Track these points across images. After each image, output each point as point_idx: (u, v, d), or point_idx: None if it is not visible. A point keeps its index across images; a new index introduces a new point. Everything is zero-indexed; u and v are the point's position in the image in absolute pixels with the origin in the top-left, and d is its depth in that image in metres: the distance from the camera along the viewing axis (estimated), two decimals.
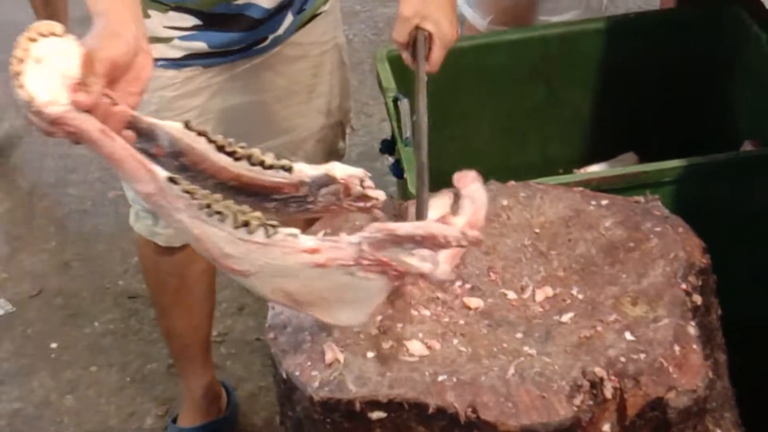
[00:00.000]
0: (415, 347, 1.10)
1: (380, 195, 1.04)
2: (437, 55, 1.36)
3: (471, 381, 1.04)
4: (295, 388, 1.09)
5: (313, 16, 1.60)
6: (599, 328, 1.10)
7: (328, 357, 1.09)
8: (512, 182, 1.35)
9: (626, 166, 1.87)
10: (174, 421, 1.91)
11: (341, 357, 1.09)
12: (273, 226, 0.95)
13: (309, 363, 1.10)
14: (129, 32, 1.00)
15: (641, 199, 1.29)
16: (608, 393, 1.03)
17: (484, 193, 1.22)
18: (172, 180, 0.93)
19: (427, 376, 1.06)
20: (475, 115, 1.95)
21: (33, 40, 0.93)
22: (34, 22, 0.96)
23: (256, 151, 1.00)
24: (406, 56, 1.39)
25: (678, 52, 1.87)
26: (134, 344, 2.20)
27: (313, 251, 0.95)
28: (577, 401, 1.02)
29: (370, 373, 1.07)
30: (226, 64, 1.52)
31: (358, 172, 1.03)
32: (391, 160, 1.78)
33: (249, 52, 1.52)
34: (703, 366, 1.07)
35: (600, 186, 1.45)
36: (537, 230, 1.25)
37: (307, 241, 0.96)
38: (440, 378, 1.05)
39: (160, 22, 1.46)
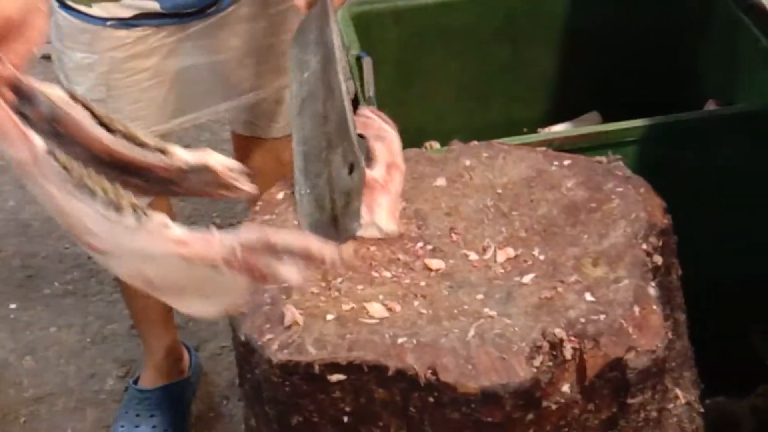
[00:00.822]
0: (376, 309, 1.09)
1: (251, 189, 1.00)
2: None
3: (431, 343, 1.04)
4: (254, 350, 1.08)
5: None
6: (560, 289, 1.09)
7: (288, 319, 1.08)
8: (475, 142, 1.34)
9: (589, 125, 1.87)
10: (135, 382, 1.89)
11: (300, 319, 1.08)
12: (144, 212, 0.92)
13: (268, 325, 1.09)
14: None
15: (603, 159, 1.28)
16: (568, 354, 1.03)
17: (389, 127, 1.20)
18: (51, 153, 0.90)
19: (387, 339, 1.05)
20: (439, 74, 1.93)
21: None
22: None
23: (136, 132, 0.97)
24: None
25: (643, 13, 1.86)
26: (94, 305, 2.18)
27: (182, 243, 0.92)
28: (537, 362, 1.02)
29: (329, 335, 1.06)
30: (180, 25, 1.48)
31: (235, 164, 1.00)
32: None
33: (209, 11, 1.48)
34: (663, 327, 1.07)
35: (562, 146, 1.44)
36: (499, 191, 1.24)
37: (177, 231, 0.93)
38: (400, 340, 1.04)
39: None
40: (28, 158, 0.89)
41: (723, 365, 1.50)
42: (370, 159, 1.18)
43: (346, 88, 1.22)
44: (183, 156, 0.97)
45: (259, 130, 1.72)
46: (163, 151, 0.96)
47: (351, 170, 1.15)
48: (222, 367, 1.99)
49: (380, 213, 1.15)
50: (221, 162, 0.98)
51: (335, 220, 1.17)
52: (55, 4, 1.46)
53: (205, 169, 0.97)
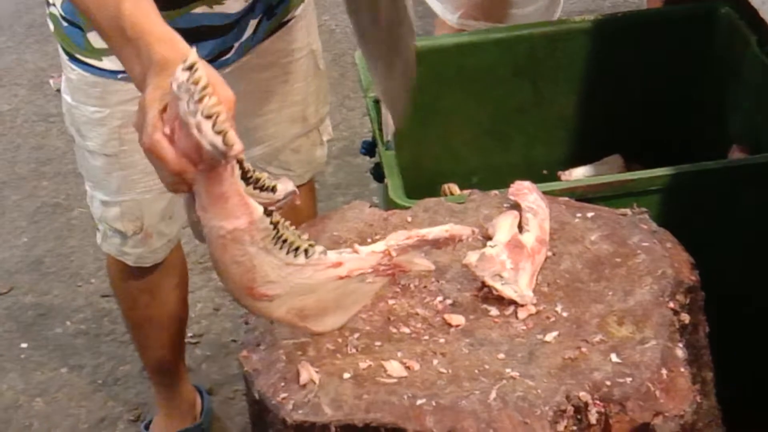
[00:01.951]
0: (394, 368, 1.07)
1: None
2: None
3: (451, 405, 1.01)
4: (268, 409, 1.06)
5: (283, 23, 1.54)
6: (584, 349, 1.07)
7: (303, 377, 1.06)
8: (495, 192, 1.32)
9: (612, 168, 1.85)
10: (146, 427, 1.87)
11: (317, 378, 1.06)
12: (312, 245, 0.99)
13: (283, 383, 1.06)
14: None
15: (628, 211, 1.26)
16: (593, 418, 1.00)
17: (543, 203, 1.22)
18: (268, 213, 0.95)
19: (405, 400, 1.02)
20: (458, 114, 1.91)
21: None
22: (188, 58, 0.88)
23: (263, 175, 1.03)
24: None
25: (665, 53, 1.84)
26: (107, 345, 2.16)
27: (338, 264, 1.01)
28: (561, 427, 0.99)
29: (346, 395, 1.03)
30: None
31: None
32: (371, 162, 1.74)
33: (215, 63, 1.47)
34: (691, 390, 1.04)
35: (585, 194, 1.42)
36: None
37: (332, 256, 1.02)
38: (419, 401, 1.02)
39: None
40: (244, 224, 0.93)
41: (752, 422, 1.47)
42: (521, 227, 1.20)
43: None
44: (283, 188, 1.04)
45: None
46: (273, 189, 1.03)
47: None
48: (235, 412, 1.96)
49: (523, 276, 1.14)
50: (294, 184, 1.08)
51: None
52: (65, 58, 1.45)
53: (290, 195, 1.06)
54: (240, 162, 0.98)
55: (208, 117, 0.87)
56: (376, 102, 1.68)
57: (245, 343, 1.13)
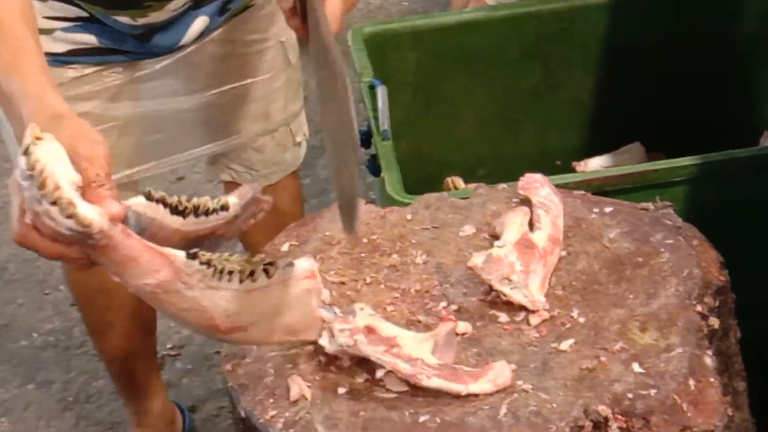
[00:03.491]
0: (393, 382, 1.06)
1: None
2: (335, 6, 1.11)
3: (457, 422, 1.01)
4: (256, 428, 1.05)
5: (240, 11, 1.52)
6: (603, 358, 1.06)
7: (294, 393, 1.06)
8: (503, 185, 1.32)
9: (632, 158, 1.85)
10: None
11: (308, 393, 1.06)
12: (272, 264, 1.00)
13: (271, 400, 1.06)
14: (75, 114, 0.97)
15: (650, 205, 1.26)
16: None
17: (556, 198, 1.21)
18: (192, 256, 0.95)
19: (406, 416, 1.02)
20: (462, 100, 1.91)
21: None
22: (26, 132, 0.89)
23: (202, 200, 1.02)
24: (294, 23, 1.17)
25: (690, 30, 1.84)
26: (77, 359, 2.16)
27: (312, 276, 1.02)
28: None
29: (341, 412, 1.03)
30: (127, 63, 1.44)
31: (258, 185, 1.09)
32: (367, 154, 1.74)
33: (150, 54, 1.45)
34: (721, 402, 1.04)
35: (603, 187, 1.43)
36: None
37: (303, 264, 1.02)
38: (422, 418, 1.02)
39: (40, 11, 1.36)
40: (169, 275, 0.94)
41: None
42: (532, 225, 1.19)
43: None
44: (236, 201, 1.04)
45: (242, 178, 1.68)
46: (225, 207, 1.03)
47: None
48: (219, 430, 1.96)
49: (534, 280, 1.14)
50: (257, 188, 1.08)
51: None
52: None
53: (252, 202, 1.06)
54: (162, 200, 0.98)
55: (53, 203, 0.88)
56: (371, 87, 1.68)
57: (229, 355, 1.13)
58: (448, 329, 1.08)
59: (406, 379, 1.03)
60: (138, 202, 0.98)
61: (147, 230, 0.97)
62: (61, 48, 1.40)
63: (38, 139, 0.90)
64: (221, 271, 0.97)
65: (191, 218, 1.01)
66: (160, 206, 0.99)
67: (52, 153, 0.89)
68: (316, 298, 1.04)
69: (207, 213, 1.01)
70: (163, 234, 0.99)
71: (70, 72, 1.42)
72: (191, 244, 0.99)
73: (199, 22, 1.46)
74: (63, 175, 0.89)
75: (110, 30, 1.40)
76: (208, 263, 0.96)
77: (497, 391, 1.03)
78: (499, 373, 1.04)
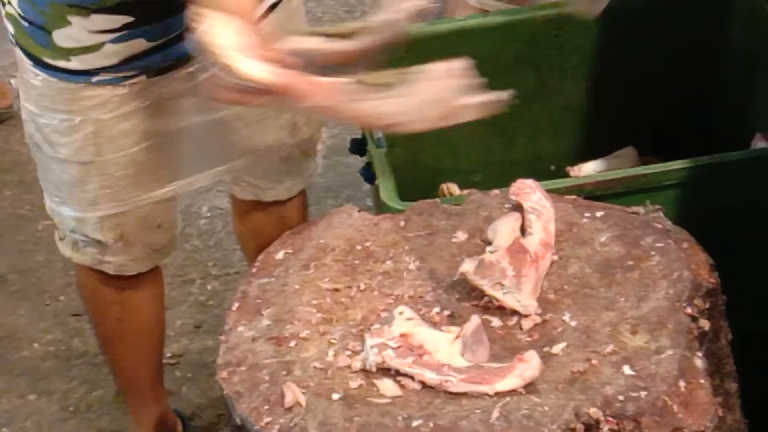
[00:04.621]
0: (387, 386, 1.07)
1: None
2: None
3: (450, 426, 1.02)
4: None
5: (270, 8, 1.50)
6: (594, 361, 1.07)
7: (288, 399, 1.07)
8: (496, 191, 1.32)
9: (625, 162, 1.85)
10: None
11: (303, 399, 1.06)
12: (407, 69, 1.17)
13: (266, 406, 1.07)
14: None
15: (641, 209, 1.27)
16: None
17: (548, 202, 1.23)
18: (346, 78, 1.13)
19: (400, 421, 1.03)
20: None
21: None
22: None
23: (343, 27, 1.23)
24: None
25: (681, 36, 1.84)
26: (78, 369, 2.15)
27: (452, 73, 1.20)
28: None
29: (335, 418, 1.04)
30: (171, 73, 1.43)
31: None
32: (362, 161, 1.74)
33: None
34: (712, 403, 1.04)
35: (594, 191, 1.43)
36: None
37: (440, 67, 1.20)
38: (415, 423, 1.02)
39: (85, 27, 1.37)
40: (328, 98, 1.13)
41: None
42: (524, 230, 1.20)
43: None
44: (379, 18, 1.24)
45: (262, 193, 1.67)
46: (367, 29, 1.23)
47: None
48: None
49: (526, 285, 1.15)
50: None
51: None
52: (28, 63, 1.43)
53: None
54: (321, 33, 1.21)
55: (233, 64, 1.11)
56: None
57: (225, 363, 1.14)
58: (473, 327, 1.10)
59: (435, 387, 1.06)
60: (302, 40, 1.19)
61: (313, 60, 1.16)
62: (113, 60, 1.40)
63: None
64: (375, 83, 1.14)
65: (338, 41, 1.19)
66: (313, 39, 1.19)
67: (218, 28, 1.11)
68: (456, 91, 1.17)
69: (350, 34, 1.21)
70: (324, 59, 1.18)
71: (119, 90, 1.42)
72: (348, 65, 1.17)
73: None
74: (227, 44, 1.11)
75: (156, 26, 1.39)
76: (359, 81, 1.13)
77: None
78: (528, 366, 1.05)
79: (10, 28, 1.44)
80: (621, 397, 1.03)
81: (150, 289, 1.66)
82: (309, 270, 1.23)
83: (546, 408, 1.02)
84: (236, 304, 1.21)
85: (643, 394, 1.03)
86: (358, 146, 1.73)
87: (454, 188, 1.84)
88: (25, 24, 1.40)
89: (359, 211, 1.33)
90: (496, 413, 1.02)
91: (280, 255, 1.27)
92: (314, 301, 1.19)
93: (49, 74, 1.42)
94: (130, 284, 1.61)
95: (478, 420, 1.02)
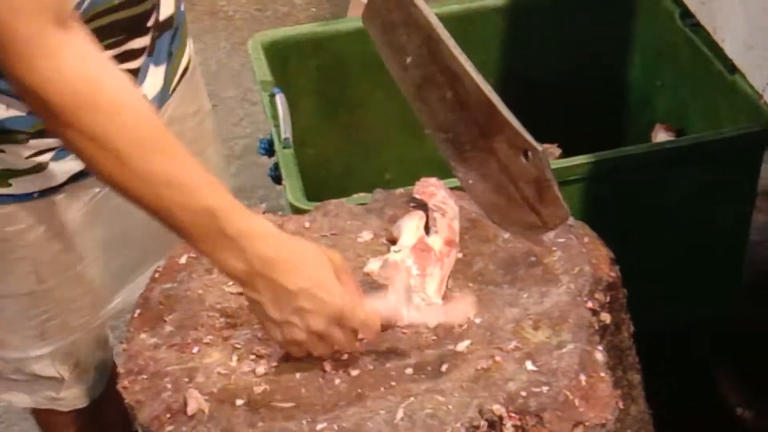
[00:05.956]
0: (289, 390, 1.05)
1: None
2: None
3: (354, 428, 1.00)
4: None
5: (180, 76, 1.34)
6: (498, 358, 1.07)
7: (191, 407, 1.04)
8: (401, 190, 1.32)
9: None
10: None
11: (206, 406, 1.04)
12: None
13: (168, 415, 1.05)
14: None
15: None
16: None
17: (452, 200, 1.22)
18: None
19: (304, 425, 1.01)
20: (366, 106, 1.91)
21: None
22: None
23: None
24: None
25: (586, 31, 1.86)
26: None
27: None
28: None
29: (239, 424, 1.02)
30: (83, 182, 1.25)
31: None
32: (270, 162, 1.72)
33: None
34: (613, 396, 1.05)
35: None
36: None
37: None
38: (319, 426, 1.01)
39: (22, 153, 1.19)
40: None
41: (687, 421, 1.49)
42: (428, 228, 1.20)
43: (475, 69, 1.18)
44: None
45: None
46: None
47: (527, 157, 1.12)
48: None
49: (431, 283, 1.14)
50: None
51: (535, 210, 1.13)
52: None
53: None
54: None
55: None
56: (272, 96, 1.67)
57: (126, 371, 1.11)
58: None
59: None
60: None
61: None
62: (59, 179, 1.24)
63: None
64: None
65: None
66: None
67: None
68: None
69: None
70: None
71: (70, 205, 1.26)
72: None
73: (153, 74, 1.28)
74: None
75: None
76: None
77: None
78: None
79: None
80: (524, 393, 1.03)
81: (111, 414, 1.39)
82: (213, 274, 1.21)
83: (450, 406, 1.02)
84: (138, 311, 1.18)
85: (544, 389, 1.03)
86: (268, 147, 1.72)
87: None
88: None
89: (264, 212, 1.30)
90: (400, 413, 1.02)
91: (183, 259, 1.24)
92: (218, 306, 1.17)
93: None
94: (87, 414, 1.45)
95: (382, 421, 1.01)
